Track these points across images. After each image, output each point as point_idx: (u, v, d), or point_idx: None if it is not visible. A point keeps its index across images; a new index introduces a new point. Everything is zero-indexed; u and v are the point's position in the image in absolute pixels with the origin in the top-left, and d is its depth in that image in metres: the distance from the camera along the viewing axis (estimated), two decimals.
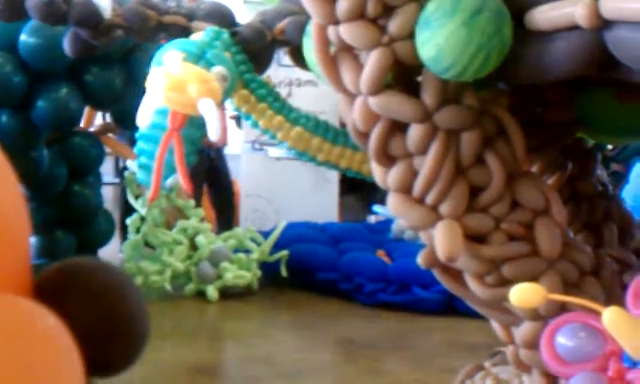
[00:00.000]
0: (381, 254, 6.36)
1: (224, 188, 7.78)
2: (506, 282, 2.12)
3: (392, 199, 2.22)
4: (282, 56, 3.38)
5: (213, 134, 2.49)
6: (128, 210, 6.47)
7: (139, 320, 1.09)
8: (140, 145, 2.71)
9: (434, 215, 2.14)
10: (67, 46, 3.08)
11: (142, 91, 2.60)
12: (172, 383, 4.13)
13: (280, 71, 7.19)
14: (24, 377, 0.83)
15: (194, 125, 2.62)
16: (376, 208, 7.93)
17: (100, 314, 1.02)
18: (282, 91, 7.65)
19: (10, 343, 0.84)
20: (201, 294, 6.07)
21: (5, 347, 0.83)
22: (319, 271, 6.11)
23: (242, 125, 7.67)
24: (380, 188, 2.29)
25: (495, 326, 2.40)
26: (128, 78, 5.00)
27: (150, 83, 2.56)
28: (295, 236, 6.53)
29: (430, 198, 2.14)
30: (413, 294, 5.59)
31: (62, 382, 0.92)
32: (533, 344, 2.17)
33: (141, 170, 2.70)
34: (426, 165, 2.11)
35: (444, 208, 2.13)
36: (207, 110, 2.49)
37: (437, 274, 2.31)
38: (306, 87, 7.65)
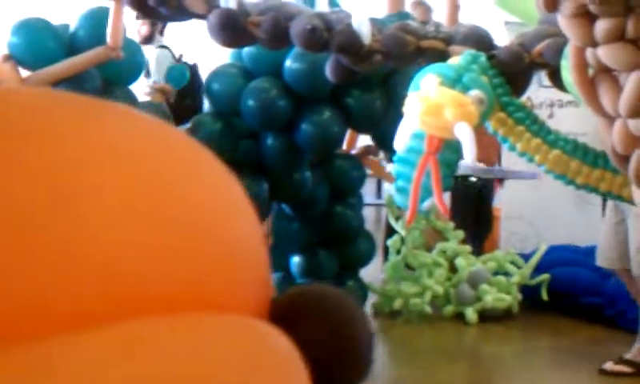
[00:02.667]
0: None
1: (484, 214, 7.73)
2: None
3: None
4: (544, 77, 3.34)
5: (469, 158, 2.51)
6: (390, 231, 6.56)
7: (368, 348, 1.11)
8: (397, 168, 2.76)
9: None
10: (329, 71, 3.19)
11: (401, 114, 2.65)
12: None
13: (541, 92, 7.07)
14: None
15: (451, 148, 2.64)
16: None
17: (330, 340, 1.05)
18: (544, 112, 7.52)
19: (245, 364, 0.88)
20: (460, 316, 6.06)
21: (239, 368, 0.87)
22: (582, 296, 5.94)
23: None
24: None
25: None
26: (388, 100, 5.07)
27: (407, 107, 2.61)
28: (557, 259, 6.39)
29: None
30: None
31: None
32: None
33: (398, 193, 2.75)
34: None
35: None
36: (463, 133, 2.50)
37: None
38: (567, 108, 7.49)
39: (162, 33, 6.26)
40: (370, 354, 1.12)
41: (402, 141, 2.61)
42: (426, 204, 2.70)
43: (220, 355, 0.85)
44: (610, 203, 4.72)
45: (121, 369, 0.77)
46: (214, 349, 0.85)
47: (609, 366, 4.59)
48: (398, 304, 5.85)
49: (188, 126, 4.97)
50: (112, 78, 4.79)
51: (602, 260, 4.85)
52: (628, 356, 4.64)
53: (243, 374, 0.87)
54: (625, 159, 2.12)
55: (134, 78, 5.15)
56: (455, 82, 2.63)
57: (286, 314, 1.04)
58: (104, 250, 0.79)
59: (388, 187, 3.07)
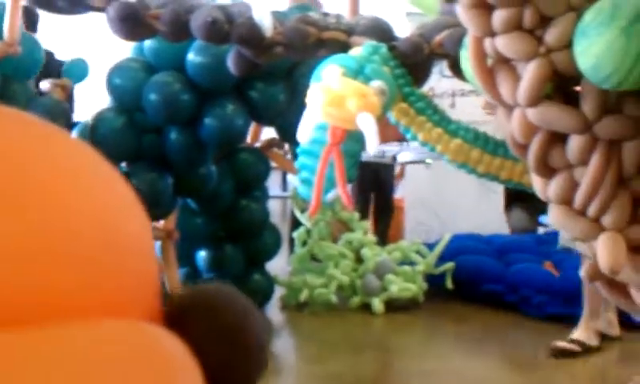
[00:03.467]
0: (548, 265, 6.23)
1: (384, 200, 7.81)
2: None
3: (553, 211, 2.19)
4: (445, 67, 3.38)
5: (371, 148, 2.52)
6: (295, 223, 6.57)
7: (261, 348, 1.11)
8: (301, 159, 2.75)
9: (597, 227, 2.10)
10: (231, 64, 3.17)
11: (305, 106, 2.65)
12: None
13: (443, 82, 7.16)
14: None
15: (354, 139, 2.65)
16: (544, 219, 7.79)
17: (223, 342, 1.05)
18: (446, 102, 7.63)
19: (134, 367, 0.87)
20: (366, 307, 6.10)
21: (129, 371, 0.86)
22: (485, 283, 6.04)
23: None
24: None
25: None
26: (292, 93, 5.07)
27: (309, 99, 2.60)
28: (460, 248, 6.48)
29: (591, 210, 2.10)
30: (581, 306, 5.46)
31: None
32: None
33: (302, 185, 2.75)
34: (587, 176, 2.08)
35: (606, 220, 2.09)
36: (366, 124, 2.51)
37: (601, 287, 2.26)
38: (469, 97, 7.60)
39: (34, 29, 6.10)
40: (264, 354, 1.12)
41: (304, 132, 2.60)
42: (330, 195, 2.70)
43: (110, 361, 0.84)
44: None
45: (6, 380, 0.75)
46: (104, 354, 0.84)
47: (560, 343, 4.76)
48: (304, 296, 5.87)
49: (89, 121, 4.90)
50: (10, 74, 4.70)
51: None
52: (574, 335, 4.82)
53: (134, 379, 0.86)
54: (524, 148, 2.15)
55: (32, 73, 5.06)
56: (357, 72, 2.63)
57: (179, 316, 1.04)
58: None
59: (293, 179, 3.07)
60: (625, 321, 4.86)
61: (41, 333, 0.79)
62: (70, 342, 0.81)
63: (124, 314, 0.90)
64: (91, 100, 5.54)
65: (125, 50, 5.20)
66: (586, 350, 4.76)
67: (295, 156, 5.64)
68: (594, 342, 4.83)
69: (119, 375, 0.84)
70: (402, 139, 6.76)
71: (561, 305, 5.64)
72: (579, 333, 4.86)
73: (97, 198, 0.94)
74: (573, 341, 4.80)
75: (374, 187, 7.62)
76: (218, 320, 1.06)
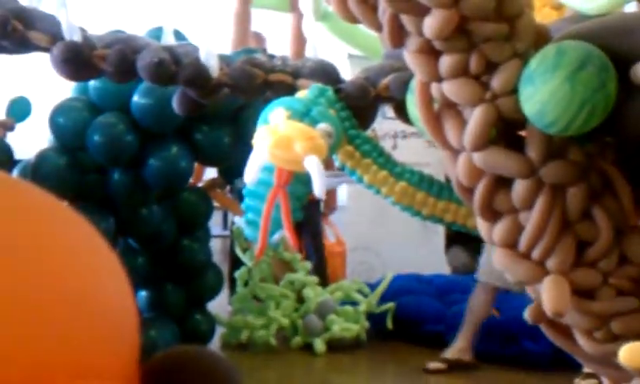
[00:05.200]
0: None
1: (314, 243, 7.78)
2: (616, 338, 2.09)
3: (498, 254, 2.21)
4: (388, 109, 3.40)
5: (318, 191, 2.53)
6: (236, 262, 6.56)
7: None
8: (247, 201, 2.75)
9: (541, 270, 2.12)
10: (176, 105, 3.16)
11: (250, 148, 2.66)
12: None
13: (385, 123, 7.22)
14: None
15: (300, 181, 2.66)
16: None
17: None
18: (387, 143, 7.68)
19: None
20: (308, 347, 6.10)
21: None
22: (426, 323, 6.08)
23: None
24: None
25: (605, 382, 2.36)
26: (237, 135, 5.08)
27: (256, 140, 2.61)
28: (402, 288, 6.52)
29: (536, 253, 2.12)
30: (522, 347, 5.52)
31: None
32: None
33: (248, 226, 2.74)
34: (532, 220, 2.10)
35: (551, 263, 2.11)
36: (312, 166, 2.52)
37: (544, 329, 2.28)
38: (411, 139, 7.67)
39: None
40: None
41: (251, 174, 2.60)
42: (276, 237, 2.70)
43: None
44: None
45: None
46: None
47: (432, 365, 5.44)
48: (244, 336, 5.86)
49: (31, 160, 4.85)
50: None
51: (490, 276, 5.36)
52: (447, 355, 5.49)
53: None
54: (469, 191, 2.17)
55: None
56: (304, 115, 2.65)
57: (158, 378, 1.03)
58: None
59: (237, 220, 3.07)
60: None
61: None
62: None
63: (103, 376, 0.89)
64: (32, 139, 5.49)
65: (67, 89, 5.17)
66: (462, 366, 5.43)
67: (237, 196, 5.65)
68: (467, 357, 5.50)
69: None
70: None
71: (501, 345, 5.69)
72: (452, 352, 5.55)
73: (77, 259, 0.93)
74: (446, 360, 5.49)
75: (306, 229, 7.56)
76: (198, 379, 1.05)
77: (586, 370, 4.41)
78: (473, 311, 5.55)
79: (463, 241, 8.43)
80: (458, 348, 5.51)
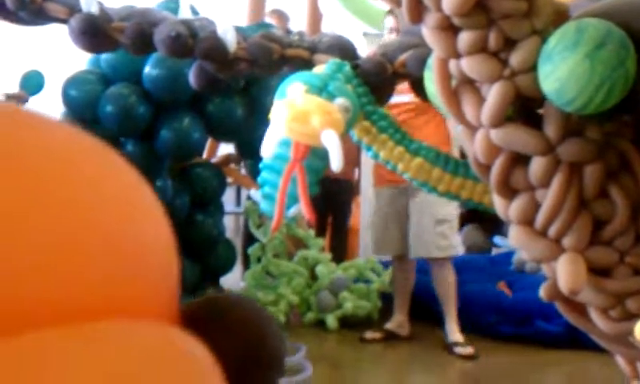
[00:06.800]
0: (502, 285, 6.30)
1: (342, 220, 7.84)
2: (631, 316, 2.09)
3: (514, 231, 2.21)
4: None
5: (335, 165, 2.52)
6: (249, 238, 6.57)
7: (280, 355, 1.12)
8: (263, 175, 2.75)
9: (557, 248, 2.12)
10: (193, 78, 3.16)
11: (265, 122, 2.65)
12: None
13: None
14: None
15: (317, 155, 2.65)
16: (497, 240, 7.85)
17: (245, 347, 1.05)
18: None
19: (159, 370, 0.87)
20: (320, 324, 6.11)
21: (153, 374, 0.86)
22: (439, 302, 6.10)
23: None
24: (501, 219, 2.28)
25: (619, 360, 2.36)
26: (249, 109, 5.08)
27: (273, 115, 2.61)
28: (416, 267, 6.52)
29: (552, 231, 2.12)
30: (534, 326, 5.52)
31: None
32: None
33: (264, 200, 2.74)
34: (548, 197, 2.10)
35: (567, 241, 2.11)
36: (330, 140, 2.52)
37: (559, 307, 2.29)
38: None
39: None
40: (283, 362, 1.13)
41: (268, 148, 2.60)
42: (293, 211, 2.70)
43: (134, 364, 0.84)
44: (370, 195, 6.08)
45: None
46: (127, 358, 0.83)
47: (368, 334, 5.91)
48: None
49: None
50: None
51: (382, 249, 5.97)
52: (388, 325, 6.02)
53: (163, 380, 0.86)
54: (486, 168, 2.17)
55: None
56: (321, 90, 2.64)
57: (199, 321, 1.03)
58: (2, 255, 0.76)
59: (253, 192, 3.08)
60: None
61: (59, 335, 0.79)
62: (90, 345, 0.80)
63: (144, 315, 0.90)
64: (45, 112, 5.49)
65: (80, 61, 5.18)
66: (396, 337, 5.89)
67: (252, 172, 5.65)
68: (404, 332, 5.95)
69: (148, 375, 0.83)
70: None
71: (513, 325, 5.69)
72: (390, 324, 6.01)
73: (117, 195, 0.93)
74: (383, 330, 5.95)
75: (333, 206, 7.63)
76: (241, 326, 1.06)
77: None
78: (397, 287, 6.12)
79: (477, 220, 8.44)
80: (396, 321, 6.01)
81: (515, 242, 2.22)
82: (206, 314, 1.06)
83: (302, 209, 2.65)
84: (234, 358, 1.02)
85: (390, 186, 5.63)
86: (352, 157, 7.32)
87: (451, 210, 5.63)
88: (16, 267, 0.77)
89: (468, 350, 5.39)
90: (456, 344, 5.49)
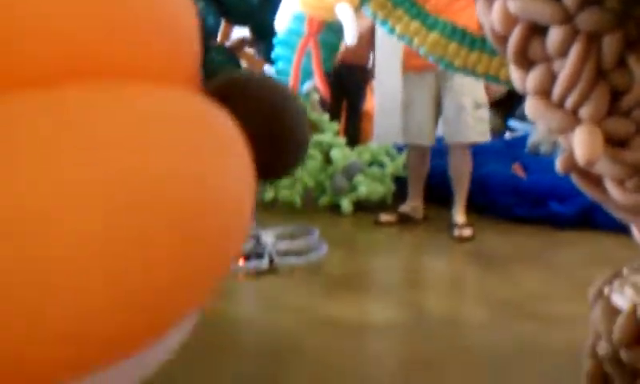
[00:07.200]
0: (516, 167, 6.29)
1: (356, 102, 7.83)
2: None
3: (531, 103, 2.19)
4: None
5: (349, 38, 2.50)
6: None
7: (303, 127, 1.13)
8: (278, 50, 2.73)
9: (574, 119, 2.10)
10: None
11: (279, 6, 2.62)
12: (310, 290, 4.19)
13: None
14: (202, 163, 0.87)
15: (332, 30, 2.63)
16: (512, 123, 7.82)
17: (269, 120, 1.06)
18: None
19: (189, 131, 0.87)
20: (335, 207, 6.15)
21: (186, 140, 0.86)
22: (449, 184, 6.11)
23: None
24: (515, 103, 2.27)
25: (636, 233, 2.36)
26: None
27: None
28: (431, 151, 6.52)
29: (569, 102, 2.10)
30: (549, 208, 5.53)
31: (237, 172, 0.95)
32: None
33: (279, 75, 2.73)
34: (566, 68, 2.07)
35: (584, 111, 2.09)
36: (344, 14, 2.49)
37: (575, 179, 2.28)
38: None
39: None
40: (306, 136, 1.13)
41: (282, 22, 2.58)
42: (307, 86, 2.69)
43: (166, 125, 0.84)
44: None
45: (74, 131, 0.75)
46: (160, 118, 0.84)
47: (382, 217, 6.00)
48: (268, 196, 5.91)
49: None
50: None
51: (425, 138, 5.89)
52: (402, 208, 6.11)
53: (191, 144, 0.86)
54: (504, 39, 2.14)
55: None
56: None
57: (224, 95, 1.04)
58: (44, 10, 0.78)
59: (266, 69, 3.06)
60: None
61: (98, 89, 0.80)
62: (126, 101, 0.81)
63: (170, 80, 0.90)
64: None
65: None
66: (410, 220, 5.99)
67: (266, 57, 5.61)
68: (418, 215, 6.05)
69: (174, 141, 0.84)
70: None
71: (528, 206, 5.71)
72: (404, 207, 6.09)
73: None
74: (398, 213, 6.05)
75: (347, 91, 7.62)
76: (261, 98, 1.06)
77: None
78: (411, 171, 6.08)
79: (492, 104, 8.40)
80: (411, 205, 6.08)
81: (532, 113, 2.20)
82: (231, 90, 1.07)
83: (317, 83, 2.64)
84: (255, 131, 1.03)
85: (419, 71, 5.52)
86: (366, 41, 7.26)
87: (484, 93, 5.54)
88: (55, 22, 0.79)
89: (466, 231, 5.44)
90: (455, 225, 5.53)
